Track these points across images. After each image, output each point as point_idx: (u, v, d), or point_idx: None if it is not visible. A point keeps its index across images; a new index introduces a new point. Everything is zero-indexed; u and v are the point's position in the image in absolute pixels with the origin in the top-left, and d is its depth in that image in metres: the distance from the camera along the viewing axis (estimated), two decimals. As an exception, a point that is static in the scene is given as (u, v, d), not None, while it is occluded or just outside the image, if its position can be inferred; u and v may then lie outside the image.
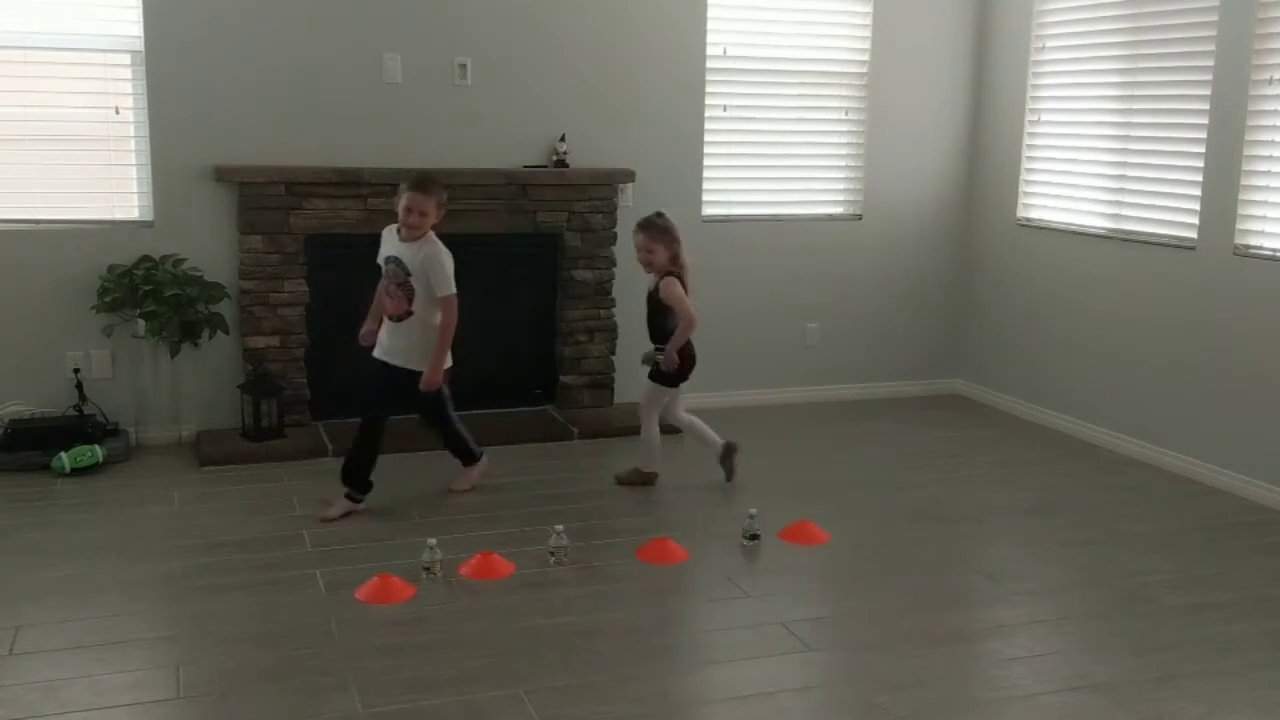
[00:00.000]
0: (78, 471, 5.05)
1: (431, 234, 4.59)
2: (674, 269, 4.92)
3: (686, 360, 5.01)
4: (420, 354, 4.61)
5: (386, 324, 4.67)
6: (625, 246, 6.10)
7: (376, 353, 4.70)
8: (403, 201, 4.53)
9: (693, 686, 3.46)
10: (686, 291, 4.91)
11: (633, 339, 6.18)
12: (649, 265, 4.94)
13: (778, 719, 3.23)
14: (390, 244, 4.64)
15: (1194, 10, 5.35)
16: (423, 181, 4.58)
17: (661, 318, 4.96)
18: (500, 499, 4.94)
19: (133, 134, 5.41)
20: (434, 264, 4.53)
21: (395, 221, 4.64)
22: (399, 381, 4.65)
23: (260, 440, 5.42)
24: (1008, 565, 4.46)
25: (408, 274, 4.54)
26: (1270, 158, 5.01)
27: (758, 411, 6.42)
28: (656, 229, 4.91)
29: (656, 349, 5.00)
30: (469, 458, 5.01)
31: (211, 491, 4.96)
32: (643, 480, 5.13)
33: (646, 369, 5.07)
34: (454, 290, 4.58)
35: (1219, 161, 5.20)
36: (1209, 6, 5.25)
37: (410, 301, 4.57)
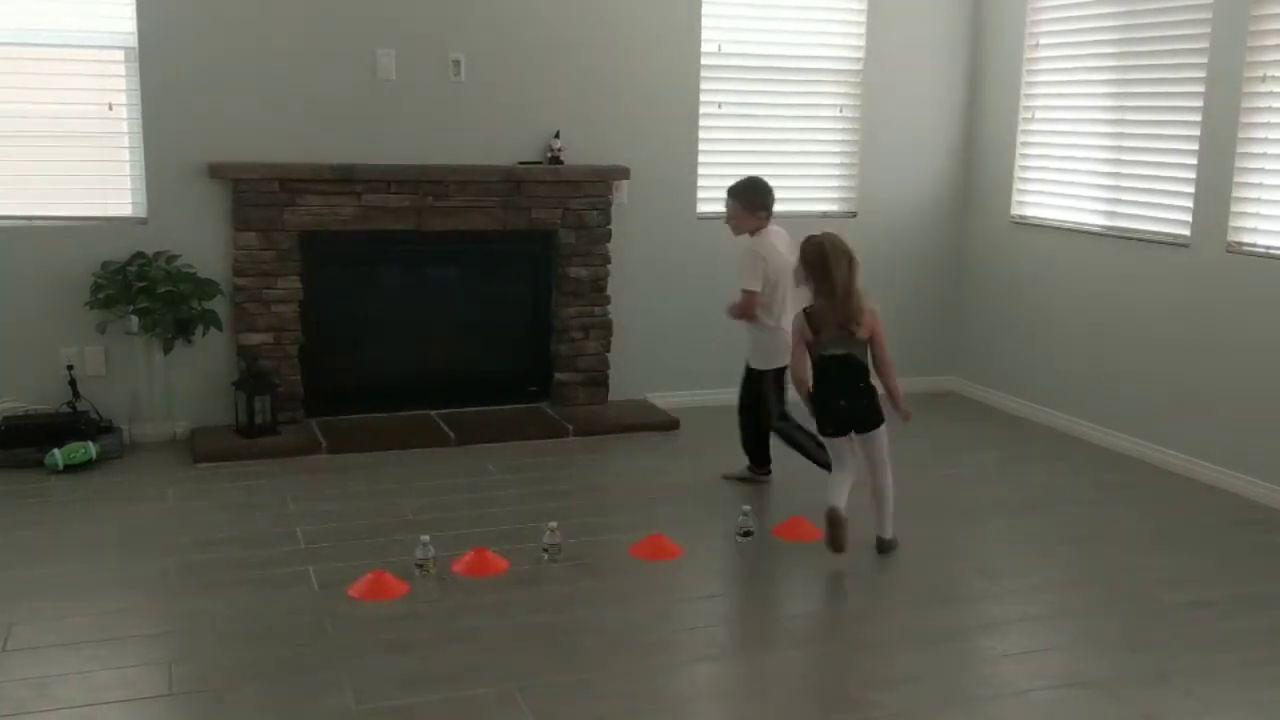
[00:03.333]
0: (71, 468, 5.04)
1: (758, 234, 4.95)
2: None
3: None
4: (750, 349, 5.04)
5: None
6: (619, 244, 6.11)
7: None
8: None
9: (686, 682, 3.46)
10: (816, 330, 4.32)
11: (627, 335, 6.19)
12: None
13: (771, 715, 3.23)
14: None
15: (1187, 8, 5.35)
16: (731, 189, 5.03)
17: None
18: (494, 496, 4.93)
19: (126, 130, 5.39)
20: (740, 261, 4.90)
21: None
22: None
23: (254, 437, 5.41)
24: (1002, 562, 4.46)
25: None
26: (1264, 155, 5.02)
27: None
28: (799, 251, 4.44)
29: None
30: (760, 466, 5.15)
31: (205, 489, 4.95)
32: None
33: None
34: (748, 287, 4.86)
35: (1213, 159, 5.20)
36: (1202, 4, 5.25)
37: None
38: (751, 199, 4.97)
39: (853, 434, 4.34)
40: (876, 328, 4.30)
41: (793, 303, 4.69)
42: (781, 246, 4.96)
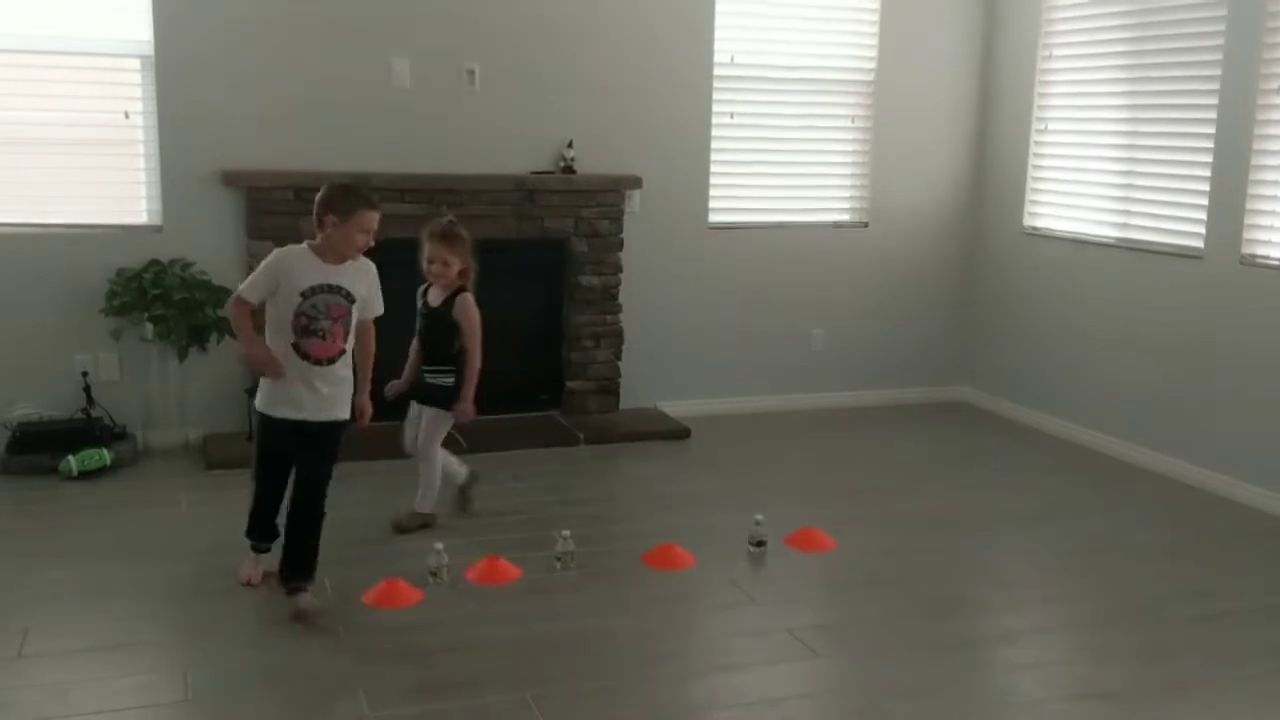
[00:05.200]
0: (85, 475, 5.06)
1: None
2: (465, 283, 4.50)
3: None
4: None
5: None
6: (632, 252, 6.12)
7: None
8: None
9: (699, 692, 3.46)
10: None
11: (639, 344, 6.20)
12: (442, 278, 4.45)
13: (785, 725, 3.24)
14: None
15: (1201, 19, 5.35)
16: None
17: (448, 338, 4.51)
18: (507, 504, 4.94)
19: (142, 138, 5.42)
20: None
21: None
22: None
23: (267, 444, 5.42)
24: (1014, 573, 4.46)
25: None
26: (1278, 167, 5.01)
27: (764, 418, 6.42)
28: (457, 238, 4.42)
29: (429, 371, 4.55)
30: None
31: (218, 495, 4.96)
32: (423, 524, 4.56)
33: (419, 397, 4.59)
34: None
35: (1226, 170, 5.20)
36: (1216, 16, 5.26)
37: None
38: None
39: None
40: None
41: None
42: None
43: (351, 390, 3.90)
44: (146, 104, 5.39)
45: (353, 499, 4.91)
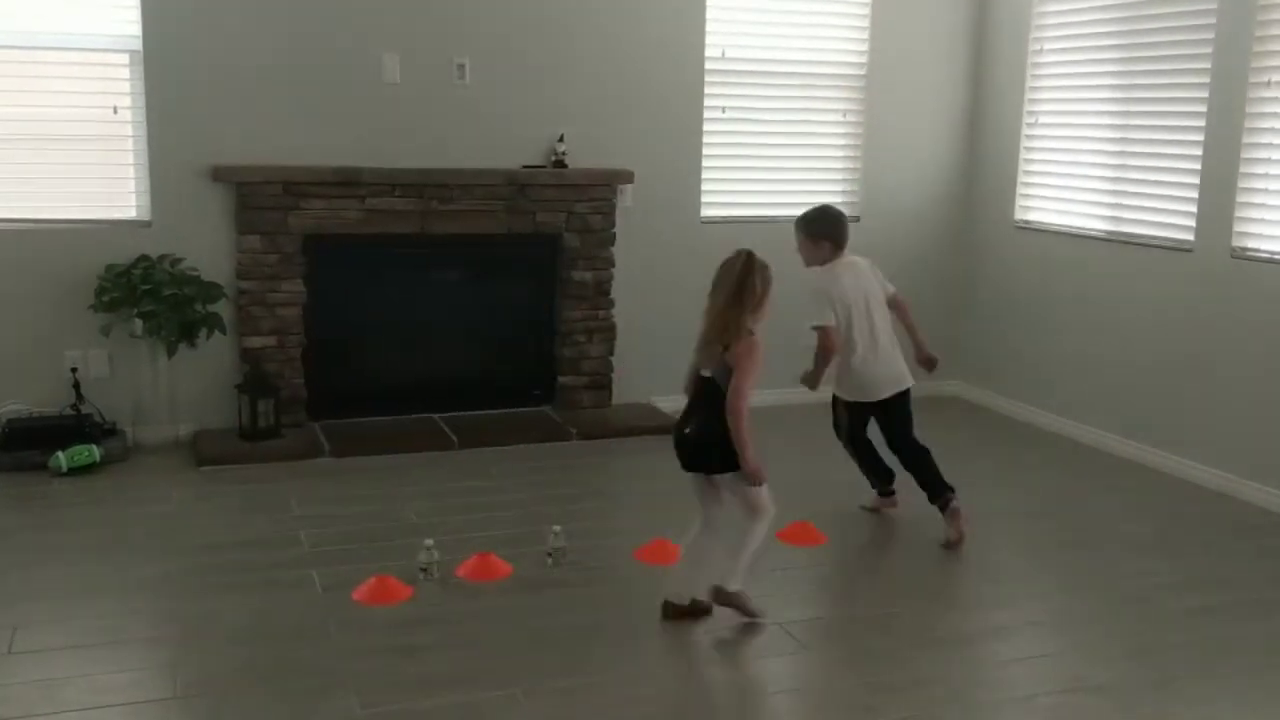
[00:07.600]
0: (75, 471, 5.04)
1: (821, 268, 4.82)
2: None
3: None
4: None
5: None
6: (624, 247, 6.11)
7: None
8: None
9: (690, 687, 3.45)
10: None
11: (631, 339, 6.19)
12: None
13: (776, 720, 3.24)
14: None
15: (1192, 13, 5.35)
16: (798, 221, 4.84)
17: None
18: (498, 499, 4.93)
19: (131, 133, 5.40)
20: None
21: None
22: None
23: (257, 440, 5.41)
24: (1006, 567, 4.46)
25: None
26: (1268, 160, 5.02)
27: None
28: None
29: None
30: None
31: (208, 491, 4.95)
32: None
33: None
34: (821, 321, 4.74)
35: (1216, 164, 5.20)
36: (1207, 9, 5.25)
37: None
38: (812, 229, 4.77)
39: (706, 475, 3.82)
40: (740, 358, 3.72)
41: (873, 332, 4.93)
42: (848, 277, 4.80)
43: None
44: (135, 99, 5.37)
45: (343, 495, 4.92)
